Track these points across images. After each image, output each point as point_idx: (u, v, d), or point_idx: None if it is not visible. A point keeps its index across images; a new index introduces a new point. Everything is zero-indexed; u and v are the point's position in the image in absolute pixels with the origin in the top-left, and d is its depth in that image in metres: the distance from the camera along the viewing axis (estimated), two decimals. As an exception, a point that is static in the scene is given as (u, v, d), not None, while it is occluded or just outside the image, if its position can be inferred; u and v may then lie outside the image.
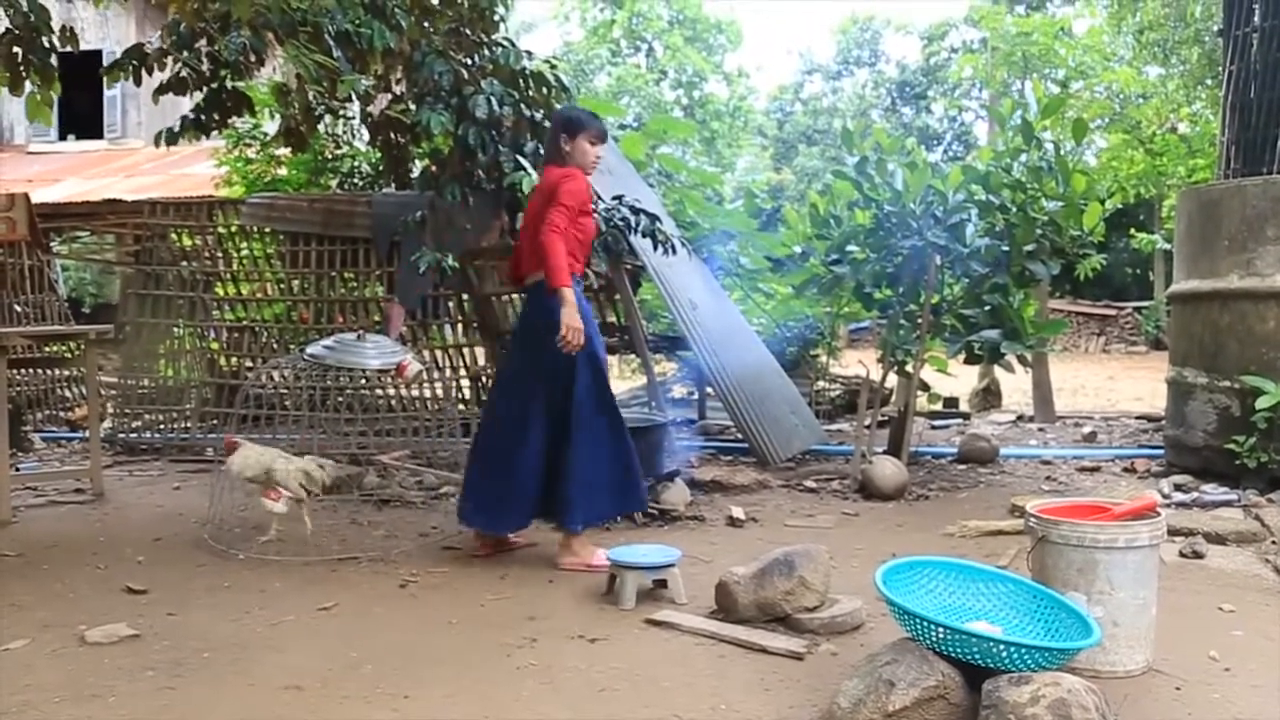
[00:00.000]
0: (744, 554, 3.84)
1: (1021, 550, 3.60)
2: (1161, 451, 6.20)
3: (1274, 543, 4.18)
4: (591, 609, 3.45)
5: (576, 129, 4.04)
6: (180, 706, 2.63)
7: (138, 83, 5.03)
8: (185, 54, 4.76)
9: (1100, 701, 2.22)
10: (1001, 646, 2.34)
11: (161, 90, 5.00)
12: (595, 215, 4.07)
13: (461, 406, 6.86)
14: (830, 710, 2.41)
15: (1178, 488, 5.39)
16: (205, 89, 5.29)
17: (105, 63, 5.60)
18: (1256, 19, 6.21)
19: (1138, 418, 8.75)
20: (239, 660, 2.97)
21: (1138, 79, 17.64)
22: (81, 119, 15.18)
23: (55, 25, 4.80)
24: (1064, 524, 2.86)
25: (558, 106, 5.64)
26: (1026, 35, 19.12)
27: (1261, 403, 5.08)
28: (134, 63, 4.92)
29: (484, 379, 7.12)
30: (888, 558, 2.90)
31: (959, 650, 2.39)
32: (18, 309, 8.25)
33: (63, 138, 15.49)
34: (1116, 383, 13.25)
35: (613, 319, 7.33)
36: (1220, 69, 6.80)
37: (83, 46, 5.62)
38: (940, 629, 2.39)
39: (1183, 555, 4.07)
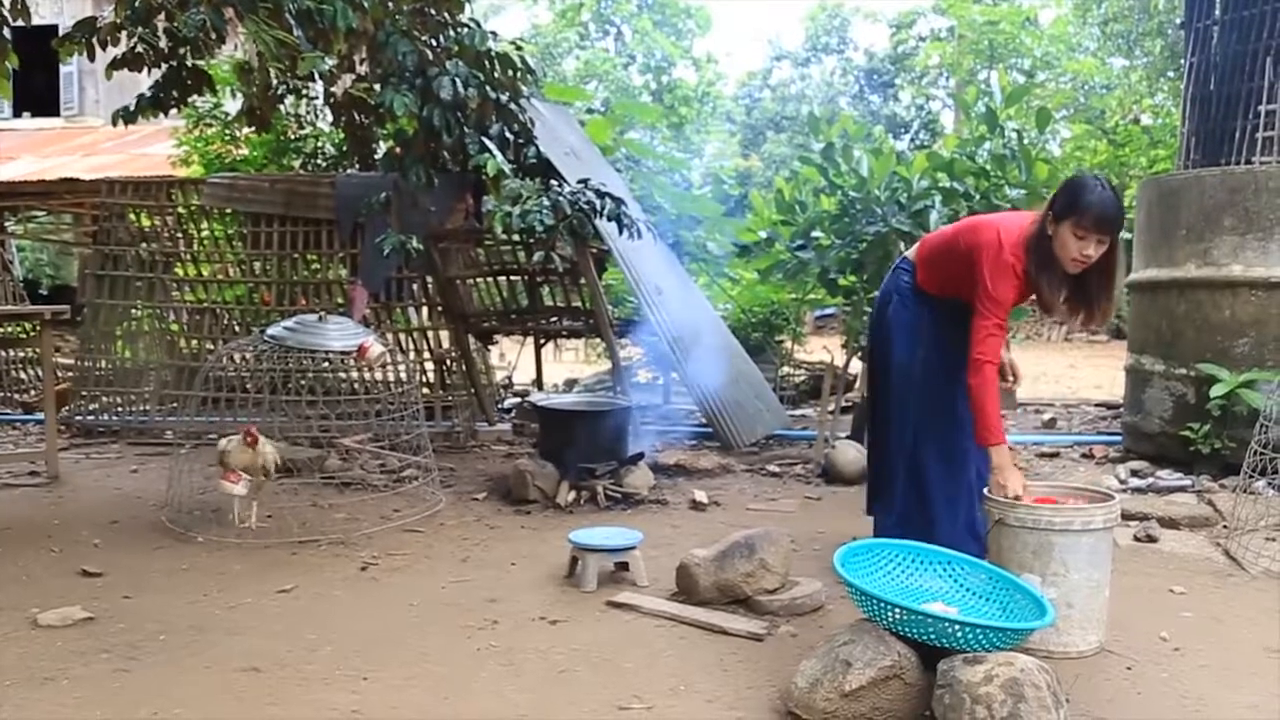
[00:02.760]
0: (706, 537, 3.87)
1: (979, 534, 3.63)
2: (1119, 438, 6.29)
3: (1225, 527, 4.25)
4: (553, 592, 3.45)
5: (1065, 209, 3.04)
6: (136, 689, 2.61)
7: (91, 58, 4.91)
8: (141, 29, 4.66)
9: (1052, 680, 2.25)
10: (956, 627, 2.37)
11: (115, 65, 4.89)
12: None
13: (425, 390, 6.82)
14: (788, 690, 2.44)
15: (1134, 473, 5.47)
16: (164, 66, 5.20)
17: (60, 38, 5.47)
18: (1217, 12, 6.29)
19: (1097, 405, 8.85)
20: (196, 642, 2.95)
21: (1102, 69, 17.84)
22: (37, 96, 14.86)
23: (5, -2, 4.69)
24: (1020, 507, 2.90)
25: (524, 90, 5.59)
26: (993, 24, 19.28)
27: (1215, 390, 5.16)
28: (86, 36, 4.81)
29: (448, 362, 7.09)
30: (849, 541, 2.92)
31: (915, 631, 2.41)
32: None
33: (17, 115, 15.17)
34: (1077, 371, 13.40)
35: (578, 303, 7.31)
36: (1182, 61, 6.88)
37: (37, 21, 5.49)
38: (897, 610, 2.41)
39: (1136, 539, 4.15)
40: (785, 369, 8.77)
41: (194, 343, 7.16)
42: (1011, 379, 3.61)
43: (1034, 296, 3.22)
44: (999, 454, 3.09)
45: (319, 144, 8.55)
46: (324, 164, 8.40)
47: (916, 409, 3.50)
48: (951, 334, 3.42)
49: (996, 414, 3.11)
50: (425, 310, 7.18)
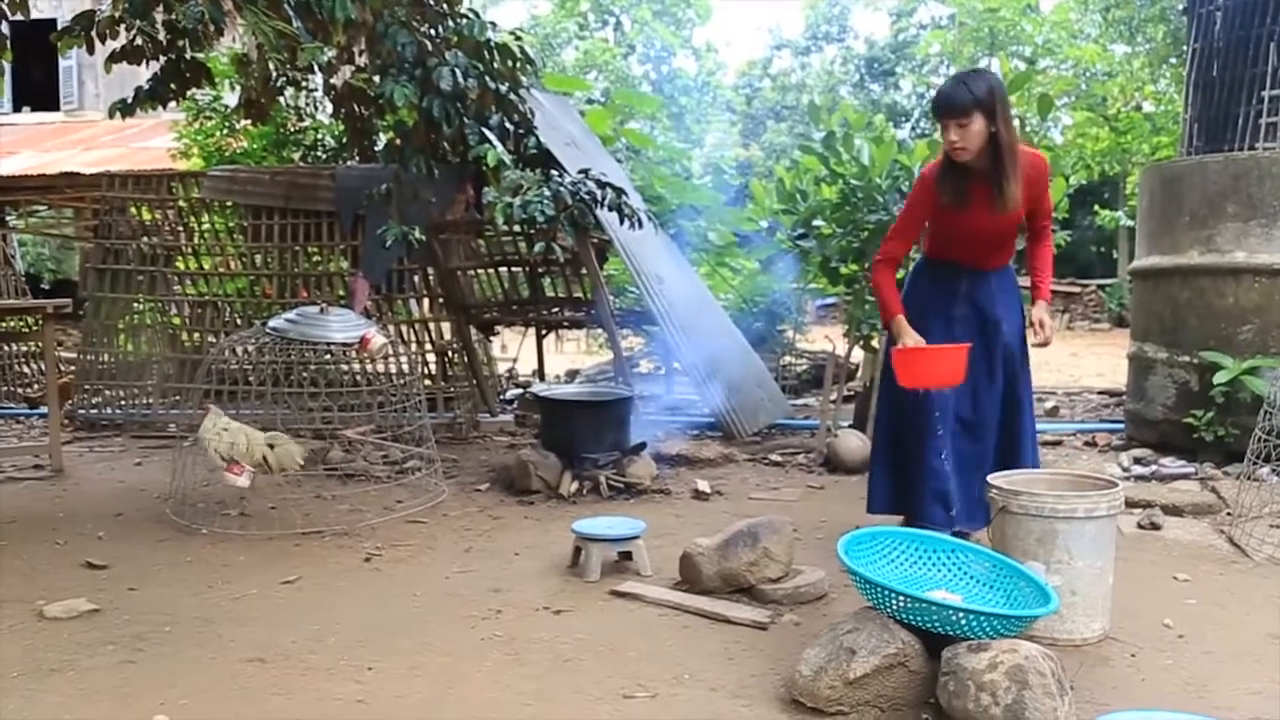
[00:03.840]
0: (709, 526, 3.87)
1: (983, 521, 3.63)
2: (1122, 426, 6.29)
3: (1229, 514, 4.25)
4: (556, 581, 3.46)
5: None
6: (141, 680, 2.61)
7: (90, 51, 4.90)
8: (140, 22, 4.64)
9: (1057, 667, 2.25)
10: (960, 614, 2.37)
11: (114, 59, 4.88)
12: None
13: (427, 382, 6.82)
14: (792, 678, 2.44)
15: (1137, 461, 5.47)
16: (162, 59, 5.18)
17: (59, 31, 5.45)
18: (1220, -3, 6.26)
19: (1099, 393, 8.86)
20: (201, 634, 2.95)
21: (1104, 56, 17.78)
22: (37, 90, 14.86)
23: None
24: (1023, 494, 2.90)
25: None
26: (994, 11, 19.21)
27: (1219, 377, 5.15)
28: (84, 30, 4.80)
29: (450, 353, 7.09)
30: (852, 530, 2.92)
31: (919, 618, 2.41)
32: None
33: (17, 109, 15.16)
34: (1079, 359, 13.39)
35: (579, 294, 7.31)
36: (1184, 47, 6.86)
37: (35, 15, 5.48)
38: (900, 597, 2.41)
39: (1140, 526, 4.14)
40: (787, 358, 8.77)
41: (196, 336, 7.17)
42: (1036, 328, 3.60)
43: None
44: (896, 325, 3.58)
45: (319, 136, 8.55)
46: (324, 156, 8.40)
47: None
48: (933, 302, 3.69)
49: (889, 296, 3.63)
50: (426, 302, 7.18)
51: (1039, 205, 3.64)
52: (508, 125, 5.68)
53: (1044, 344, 3.60)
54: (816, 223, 6.15)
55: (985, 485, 3.17)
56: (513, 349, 9.59)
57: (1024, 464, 3.54)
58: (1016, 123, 5.83)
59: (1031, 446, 3.68)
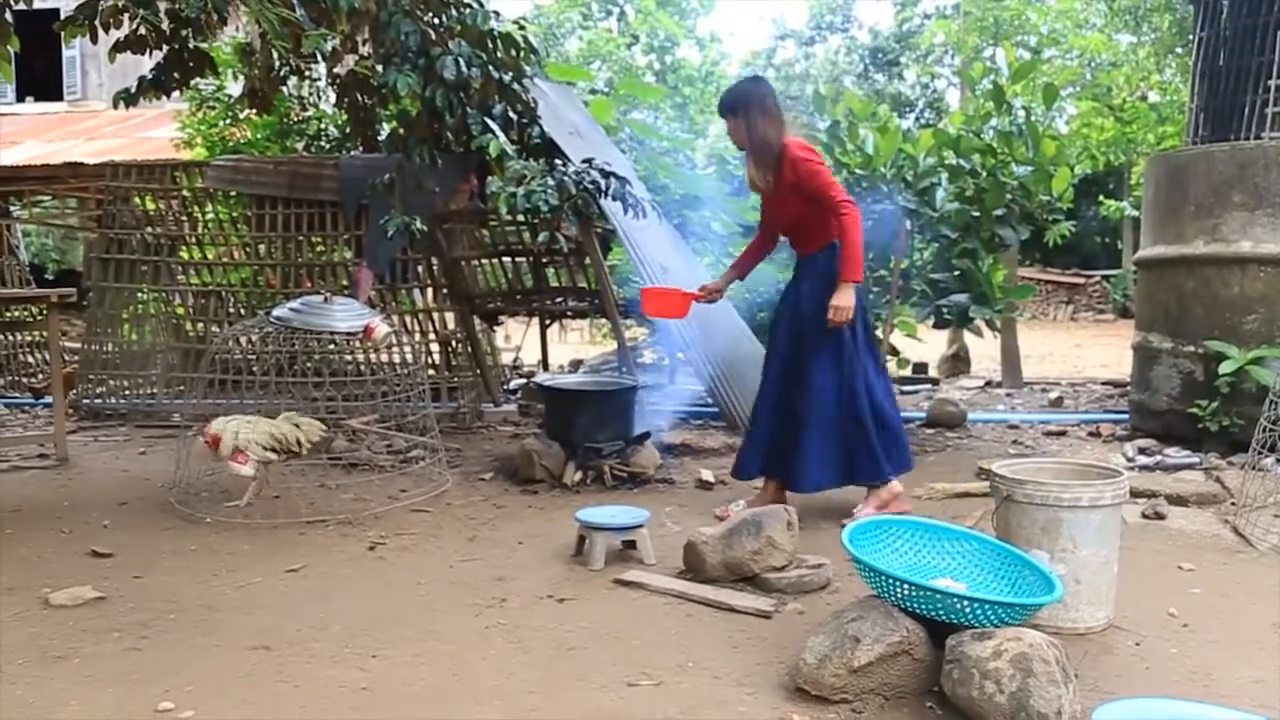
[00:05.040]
0: (713, 516, 3.86)
1: (987, 512, 3.64)
2: (1126, 416, 6.28)
3: (1233, 504, 4.25)
4: (560, 570, 3.46)
5: None
6: (147, 667, 2.62)
7: (94, 40, 4.90)
8: (143, 11, 4.64)
9: (1061, 655, 2.25)
10: (965, 602, 2.37)
11: (118, 48, 4.88)
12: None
13: (431, 371, 6.82)
14: (797, 666, 2.44)
15: (1141, 451, 5.46)
16: (165, 48, 5.18)
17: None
18: (1226, -15, 6.22)
19: (1104, 383, 8.85)
20: (206, 621, 2.96)
21: (1109, 46, 17.69)
22: (40, 80, 14.85)
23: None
24: (1028, 484, 2.90)
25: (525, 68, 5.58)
26: (999, 0, 19.11)
27: (1224, 368, 5.15)
28: (88, 19, 4.79)
29: (453, 343, 7.08)
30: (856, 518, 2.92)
31: (924, 606, 2.41)
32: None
33: (20, 100, 15.15)
34: (1084, 350, 13.39)
35: (583, 283, 7.30)
36: (1190, 36, 6.82)
37: (38, 4, 5.48)
38: (905, 585, 2.41)
39: (1145, 516, 4.14)
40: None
41: (200, 325, 7.17)
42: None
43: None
44: (725, 276, 4.53)
45: (322, 126, 8.53)
46: (327, 146, 8.38)
47: None
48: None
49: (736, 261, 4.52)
50: (430, 291, 7.17)
51: (808, 190, 3.90)
52: (511, 115, 5.68)
53: (832, 325, 3.85)
54: (821, 212, 6.13)
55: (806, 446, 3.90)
56: (516, 339, 9.59)
57: (809, 434, 3.94)
58: (1022, 112, 5.84)
59: (817, 422, 3.94)
